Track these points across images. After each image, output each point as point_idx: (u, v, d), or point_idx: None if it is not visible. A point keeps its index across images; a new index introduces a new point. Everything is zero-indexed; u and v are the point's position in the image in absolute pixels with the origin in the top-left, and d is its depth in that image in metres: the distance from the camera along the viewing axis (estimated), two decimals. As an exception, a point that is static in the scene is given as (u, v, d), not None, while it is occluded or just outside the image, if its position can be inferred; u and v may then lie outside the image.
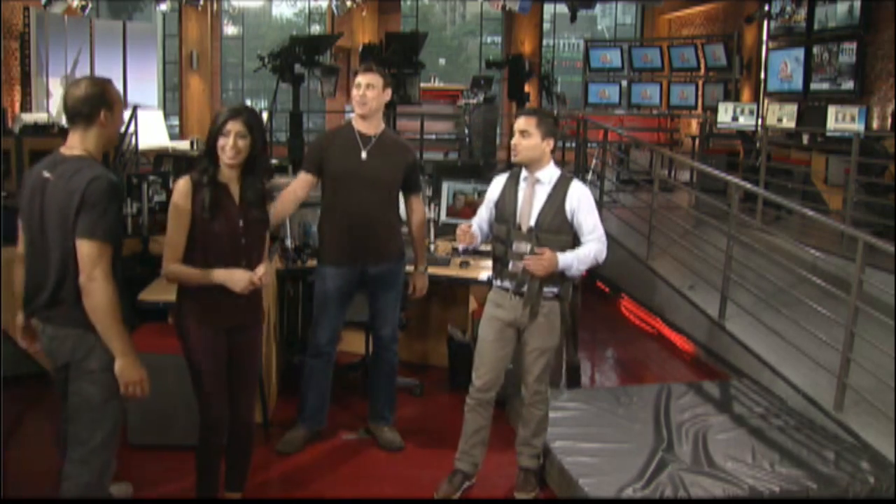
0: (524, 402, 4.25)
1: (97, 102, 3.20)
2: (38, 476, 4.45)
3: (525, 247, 3.95)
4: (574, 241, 3.98)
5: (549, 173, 4.04)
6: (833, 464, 4.33)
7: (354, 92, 4.47)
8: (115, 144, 3.81)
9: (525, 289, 3.97)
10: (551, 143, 4.01)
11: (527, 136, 3.97)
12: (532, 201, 4.00)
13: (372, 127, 4.51)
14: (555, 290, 4.02)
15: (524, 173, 4.06)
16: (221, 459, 3.71)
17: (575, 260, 3.92)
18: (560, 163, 12.68)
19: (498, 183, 4.19)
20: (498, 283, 4.11)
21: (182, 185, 3.45)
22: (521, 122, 4.01)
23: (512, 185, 4.10)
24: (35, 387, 5.55)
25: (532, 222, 3.97)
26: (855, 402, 4.91)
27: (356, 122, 4.53)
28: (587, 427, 4.66)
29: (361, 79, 4.45)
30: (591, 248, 3.95)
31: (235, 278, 3.47)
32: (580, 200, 3.96)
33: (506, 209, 4.05)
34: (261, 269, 3.53)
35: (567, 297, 4.10)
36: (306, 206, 5.05)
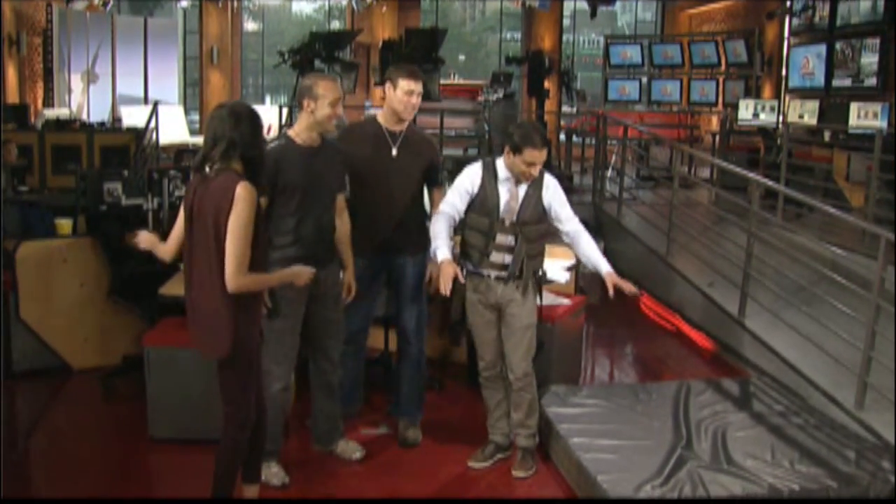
0: (511, 386, 4.42)
1: (304, 93, 3.97)
2: (54, 468, 4.51)
3: (508, 239, 4.26)
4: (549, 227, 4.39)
5: None
6: (854, 463, 4.30)
7: (404, 98, 4.44)
8: (326, 129, 4.09)
9: (518, 273, 4.29)
10: None
11: (539, 165, 4.23)
12: (517, 198, 4.28)
13: (401, 124, 4.56)
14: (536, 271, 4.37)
15: (504, 173, 4.29)
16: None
17: (603, 257, 4.39)
18: (580, 159, 12.77)
19: (474, 176, 4.37)
20: (477, 270, 4.35)
21: (254, 193, 3.33)
22: (544, 155, 4.22)
23: (491, 180, 4.32)
24: (53, 380, 5.62)
25: (515, 218, 4.27)
26: (876, 400, 4.88)
27: (385, 121, 4.55)
28: (606, 424, 4.65)
29: (414, 86, 4.46)
30: (591, 240, 4.41)
31: (300, 273, 3.60)
32: (553, 194, 4.33)
33: (487, 204, 4.30)
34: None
35: (542, 276, 4.47)
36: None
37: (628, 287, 4.22)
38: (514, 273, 4.27)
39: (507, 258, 4.27)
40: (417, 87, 4.48)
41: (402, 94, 4.45)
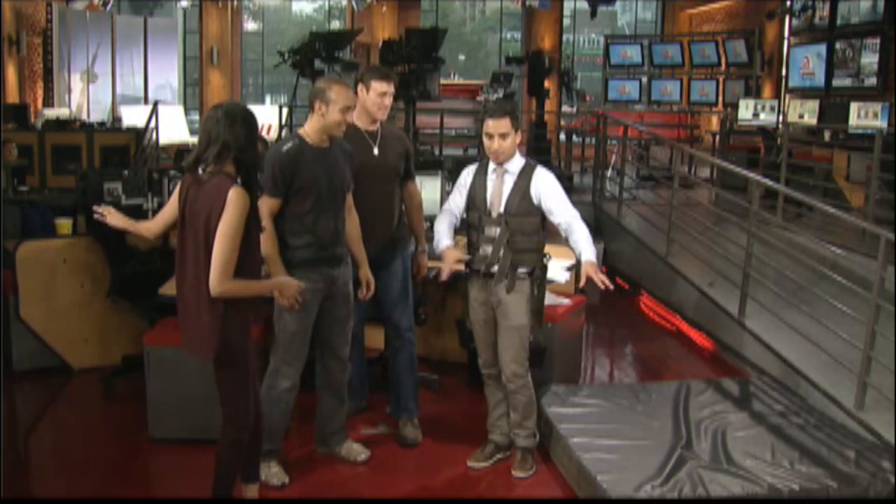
0: (506, 387, 4.42)
1: (317, 95, 4.01)
2: (54, 468, 4.51)
3: (495, 231, 4.22)
4: (543, 221, 4.28)
5: (517, 163, 4.29)
6: (853, 462, 4.30)
7: (377, 99, 4.50)
8: (336, 133, 4.11)
9: (495, 269, 4.21)
10: (519, 134, 4.29)
11: (506, 138, 4.19)
12: (501, 189, 4.26)
13: (375, 124, 4.61)
14: (528, 269, 4.26)
15: (492, 165, 4.30)
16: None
17: (591, 247, 4.18)
18: (580, 159, 12.76)
19: (467, 173, 4.43)
20: (473, 267, 4.35)
21: (246, 199, 3.32)
22: (500, 125, 4.17)
23: (481, 175, 4.34)
24: (53, 380, 5.63)
25: (501, 209, 4.23)
26: (876, 400, 4.87)
27: (362, 122, 4.57)
28: (606, 424, 4.65)
29: (386, 88, 4.51)
30: (582, 228, 4.21)
31: (287, 284, 3.62)
32: (544, 186, 4.23)
33: (476, 198, 4.32)
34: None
35: (538, 275, 4.31)
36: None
37: (600, 279, 4.05)
38: (492, 262, 4.22)
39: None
40: (390, 88, 4.54)
41: (375, 95, 4.50)
